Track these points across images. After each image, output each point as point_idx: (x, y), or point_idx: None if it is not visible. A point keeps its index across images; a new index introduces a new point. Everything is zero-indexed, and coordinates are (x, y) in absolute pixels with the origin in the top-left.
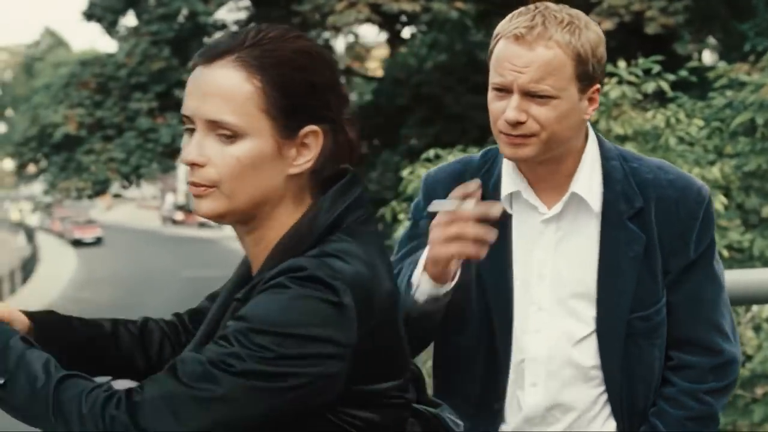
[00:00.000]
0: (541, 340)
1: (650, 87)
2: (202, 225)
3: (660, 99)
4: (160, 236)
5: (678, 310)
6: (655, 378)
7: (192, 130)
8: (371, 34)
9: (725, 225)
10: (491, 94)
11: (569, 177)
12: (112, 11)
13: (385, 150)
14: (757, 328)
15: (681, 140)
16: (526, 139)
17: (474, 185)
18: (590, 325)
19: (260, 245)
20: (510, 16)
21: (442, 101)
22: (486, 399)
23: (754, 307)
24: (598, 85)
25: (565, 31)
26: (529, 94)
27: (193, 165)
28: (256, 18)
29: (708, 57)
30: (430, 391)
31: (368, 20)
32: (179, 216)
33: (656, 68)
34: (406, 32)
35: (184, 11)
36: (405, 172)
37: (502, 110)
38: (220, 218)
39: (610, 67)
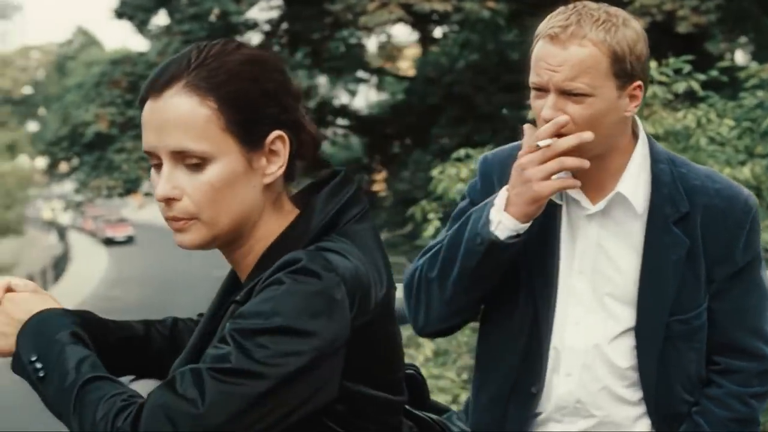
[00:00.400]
0: (579, 332)
1: (681, 87)
2: None
3: (691, 99)
4: None
5: (723, 317)
6: (692, 381)
7: (158, 165)
8: (403, 33)
9: None
10: (532, 95)
11: (616, 175)
12: (143, 10)
13: (417, 149)
14: None
15: (712, 140)
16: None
17: (564, 118)
18: (625, 325)
19: (249, 257)
20: (549, 16)
21: (473, 101)
22: (523, 381)
23: None
24: (639, 82)
25: (600, 29)
26: (564, 93)
27: (168, 200)
28: (288, 17)
29: (740, 57)
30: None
31: (400, 20)
32: None
33: (687, 68)
34: (438, 32)
35: (216, 10)
36: (435, 172)
37: (541, 109)
38: (205, 247)
39: None
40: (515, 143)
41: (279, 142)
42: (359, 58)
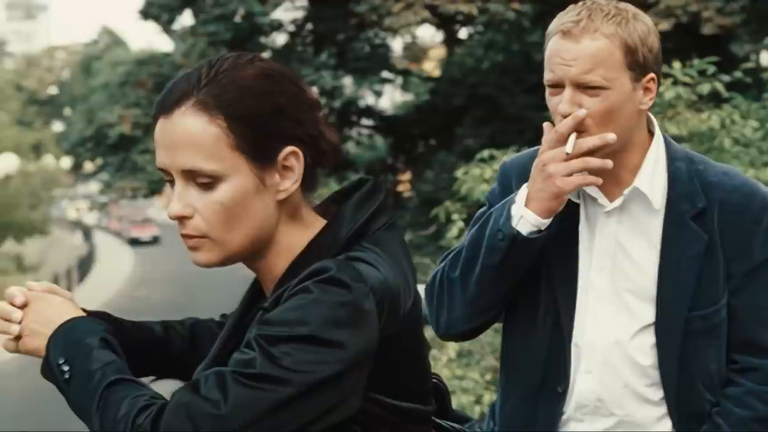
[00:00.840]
0: (599, 328)
1: (705, 88)
2: None
3: (715, 100)
4: None
5: (742, 314)
6: (712, 379)
7: (172, 182)
8: (428, 34)
9: None
10: (547, 93)
11: (633, 172)
12: (169, 10)
13: (441, 150)
14: None
15: (736, 141)
16: (580, 133)
17: (583, 112)
18: (644, 321)
19: (274, 271)
20: (559, 15)
21: (498, 102)
22: (549, 379)
23: None
24: (652, 75)
25: (611, 22)
26: (580, 87)
27: (180, 218)
28: (313, 18)
29: (765, 58)
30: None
31: (425, 21)
32: None
33: (711, 69)
34: (463, 33)
35: (241, 11)
36: (459, 173)
37: (557, 106)
38: (220, 265)
39: (665, 68)
40: (534, 148)
41: (292, 157)
42: (384, 59)
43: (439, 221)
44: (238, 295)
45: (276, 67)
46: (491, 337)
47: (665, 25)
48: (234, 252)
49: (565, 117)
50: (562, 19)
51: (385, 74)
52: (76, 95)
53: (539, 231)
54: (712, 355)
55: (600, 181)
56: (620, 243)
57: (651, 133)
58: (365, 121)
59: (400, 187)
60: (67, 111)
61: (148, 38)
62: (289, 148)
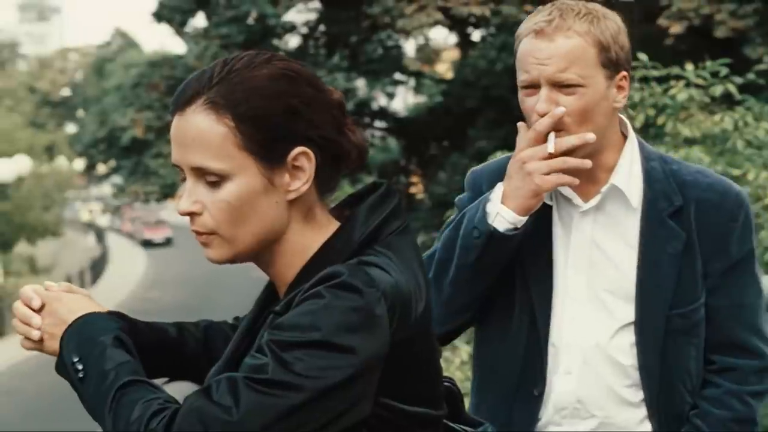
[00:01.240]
0: (576, 328)
1: (718, 90)
2: None
3: (728, 102)
4: None
5: (719, 313)
6: (692, 379)
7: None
8: (441, 36)
9: None
10: (521, 95)
11: (608, 172)
12: (182, 12)
13: (454, 152)
14: None
15: (749, 144)
16: (558, 132)
17: (561, 110)
18: (624, 320)
19: (288, 273)
20: (528, 17)
21: (511, 104)
22: (525, 382)
23: None
24: (625, 73)
25: (583, 21)
26: (556, 85)
27: (189, 214)
28: (326, 20)
29: None
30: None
31: (437, 23)
32: None
33: (724, 71)
34: (476, 35)
35: (254, 13)
36: None
37: (532, 106)
38: (230, 262)
39: (677, 70)
40: (503, 157)
41: (303, 158)
42: (397, 61)
43: None
44: (250, 296)
45: (294, 68)
46: None
47: (678, 28)
48: (243, 249)
49: (542, 116)
50: (533, 19)
51: (398, 76)
52: (89, 97)
53: (516, 228)
54: (691, 353)
55: (577, 181)
56: (596, 242)
57: (624, 135)
58: (378, 123)
59: (413, 189)
60: (80, 113)
61: (161, 40)
62: (299, 149)
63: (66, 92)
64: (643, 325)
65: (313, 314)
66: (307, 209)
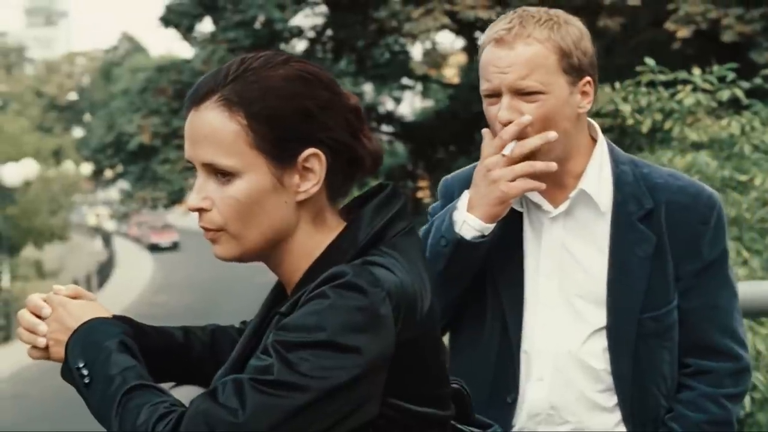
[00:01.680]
0: (548, 334)
1: (725, 95)
2: None
3: (735, 107)
4: None
5: (693, 316)
6: (666, 382)
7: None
8: (447, 40)
9: None
10: (484, 104)
11: (577, 177)
12: (189, 17)
13: (461, 156)
14: None
15: (756, 148)
16: (520, 140)
17: (527, 118)
18: (596, 325)
19: (296, 274)
20: (490, 26)
21: None
22: (498, 389)
23: None
24: (588, 78)
25: (543, 27)
26: (518, 93)
27: (198, 210)
28: (332, 24)
29: None
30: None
31: (444, 27)
32: None
33: (731, 76)
34: None
35: (261, 18)
36: None
37: (495, 115)
38: (237, 260)
39: (684, 75)
40: (474, 164)
41: (314, 159)
42: (404, 65)
43: None
44: (257, 301)
45: (310, 70)
46: None
47: (685, 32)
48: (250, 247)
49: (505, 125)
50: (494, 28)
51: (405, 80)
52: (96, 101)
53: (483, 236)
54: (665, 357)
55: (543, 186)
56: (567, 248)
57: (593, 140)
58: (385, 128)
59: (420, 194)
60: (87, 117)
61: (168, 45)
62: (310, 150)
63: (73, 96)
64: (614, 329)
65: (318, 314)
66: (317, 212)
